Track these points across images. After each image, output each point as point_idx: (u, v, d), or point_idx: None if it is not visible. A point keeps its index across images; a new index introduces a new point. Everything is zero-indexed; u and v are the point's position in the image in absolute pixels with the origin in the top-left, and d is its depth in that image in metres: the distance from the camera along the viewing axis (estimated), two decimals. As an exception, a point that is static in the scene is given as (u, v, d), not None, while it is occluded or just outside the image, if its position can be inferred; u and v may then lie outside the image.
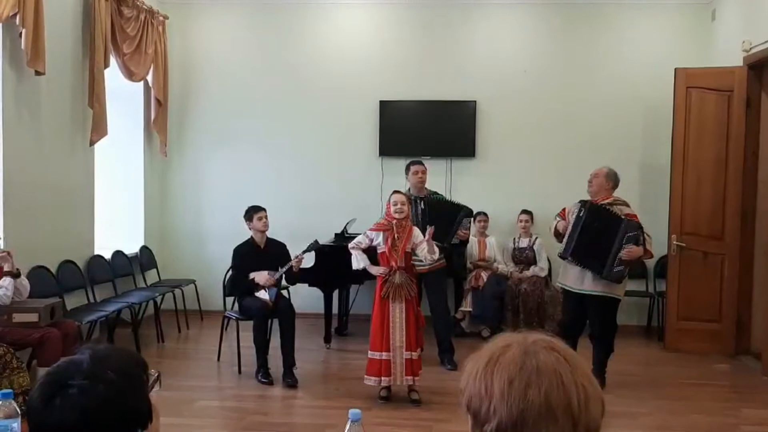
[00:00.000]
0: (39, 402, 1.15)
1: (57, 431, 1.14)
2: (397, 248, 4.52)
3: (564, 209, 5.06)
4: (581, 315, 4.94)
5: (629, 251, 4.66)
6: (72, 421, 1.13)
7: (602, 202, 4.87)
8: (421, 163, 5.70)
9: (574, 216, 4.84)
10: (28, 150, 5.14)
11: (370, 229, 4.69)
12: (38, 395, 1.16)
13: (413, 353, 4.51)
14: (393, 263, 4.51)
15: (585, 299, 4.85)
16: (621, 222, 4.71)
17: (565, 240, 4.86)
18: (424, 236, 4.59)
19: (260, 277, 5.12)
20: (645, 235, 4.77)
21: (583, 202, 4.87)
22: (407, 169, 5.69)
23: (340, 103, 7.25)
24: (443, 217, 5.45)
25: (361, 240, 4.66)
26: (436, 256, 4.69)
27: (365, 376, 4.59)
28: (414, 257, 4.75)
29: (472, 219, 6.08)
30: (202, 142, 7.42)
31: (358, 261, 4.65)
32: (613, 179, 4.94)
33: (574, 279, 4.86)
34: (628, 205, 4.93)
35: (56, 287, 5.25)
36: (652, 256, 5.02)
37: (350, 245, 4.72)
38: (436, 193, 5.81)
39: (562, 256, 4.91)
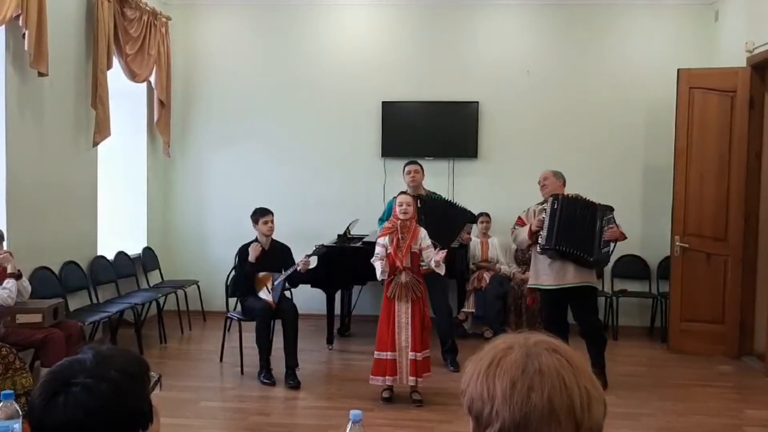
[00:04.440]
0: (41, 399, 1.14)
1: (58, 430, 1.13)
2: (402, 248, 4.53)
3: (520, 218, 5.08)
4: (563, 316, 4.98)
5: (611, 231, 4.81)
6: (74, 419, 1.12)
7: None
8: (415, 163, 5.72)
9: (547, 212, 4.82)
10: (32, 151, 5.14)
11: (379, 236, 4.70)
12: (40, 393, 1.15)
13: (418, 354, 4.51)
14: (399, 263, 4.52)
15: (567, 295, 4.86)
16: (595, 206, 4.87)
17: (544, 234, 4.79)
18: (429, 239, 4.64)
19: (253, 251, 5.13)
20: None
21: (554, 196, 4.88)
22: (403, 169, 5.75)
23: (342, 104, 7.24)
24: (442, 217, 5.43)
25: (379, 251, 4.60)
26: (443, 271, 4.64)
27: (371, 376, 4.60)
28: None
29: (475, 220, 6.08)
30: (204, 142, 7.43)
31: (380, 272, 4.57)
32: (562, 177, 5.07)
33: (555, 275, 4.85)
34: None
35: (59, 288, 5.25)
36: (626, 238, 5.03)
37: (372, 260, 4.63)
38: (434, 193, 5.80)
39: (546, 248, 4.79)
